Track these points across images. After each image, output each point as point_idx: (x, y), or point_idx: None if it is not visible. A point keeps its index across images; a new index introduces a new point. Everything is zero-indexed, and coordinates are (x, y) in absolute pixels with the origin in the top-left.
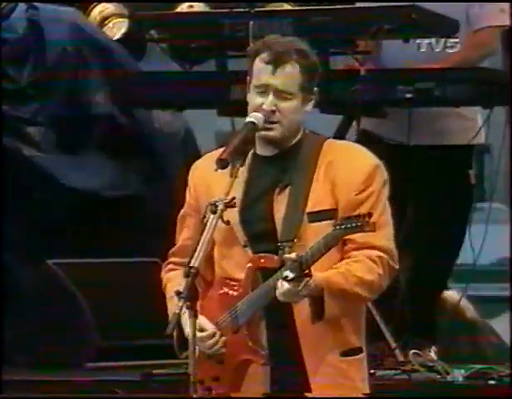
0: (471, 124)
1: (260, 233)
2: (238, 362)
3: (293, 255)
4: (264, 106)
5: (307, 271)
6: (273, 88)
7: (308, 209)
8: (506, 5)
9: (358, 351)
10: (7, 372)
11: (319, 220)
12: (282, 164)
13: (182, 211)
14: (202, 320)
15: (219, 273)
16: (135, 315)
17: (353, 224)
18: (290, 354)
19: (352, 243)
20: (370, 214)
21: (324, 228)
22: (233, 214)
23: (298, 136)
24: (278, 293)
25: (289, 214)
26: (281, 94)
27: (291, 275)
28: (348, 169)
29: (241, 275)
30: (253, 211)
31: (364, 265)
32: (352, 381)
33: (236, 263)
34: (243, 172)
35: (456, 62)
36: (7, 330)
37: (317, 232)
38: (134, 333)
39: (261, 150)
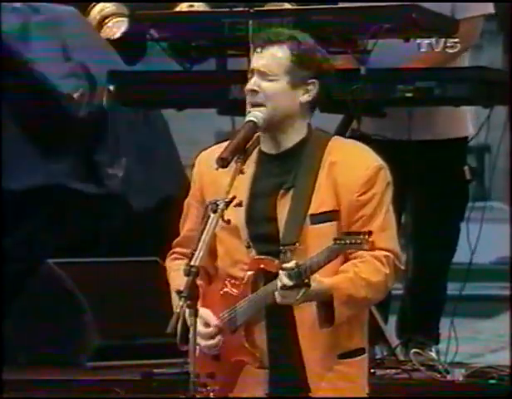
0: (458, 114)
1: (263, 235)
2: (234, 362)
3: (293, 263)
4: (247, 86)
5: (306, 280)
6: (257, 69)
7: (311, 211)
8: None
9: (361, 351)
10: (8, 372)
11: (321, 222)
12: (286, 164)
13: (186, 200)
14: (207, 315)
15: (222, 268)
16: (135, 314)
17: (353, 241)
18: (290, 356)
19: None
20: (370, 233)
21: (326, 230)
22: (239, 214)
23: (303, 134)
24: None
25: (292, 217)
26: (264, 75)
27: (289, 283)
28: (351, 170)
29: (242, 274)
30: (257, 212)
31: (371, 266)
32: (353, 382)
33: (238, 262)
34: (249, 168)
35: (437, 58)
36: (7, 330)
37: (318, 234)
38: (134, 333)
39: (265, 146)
